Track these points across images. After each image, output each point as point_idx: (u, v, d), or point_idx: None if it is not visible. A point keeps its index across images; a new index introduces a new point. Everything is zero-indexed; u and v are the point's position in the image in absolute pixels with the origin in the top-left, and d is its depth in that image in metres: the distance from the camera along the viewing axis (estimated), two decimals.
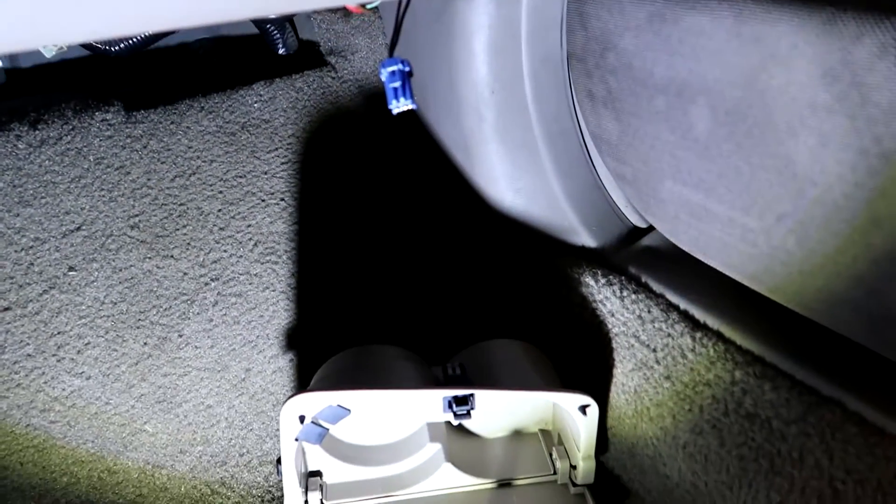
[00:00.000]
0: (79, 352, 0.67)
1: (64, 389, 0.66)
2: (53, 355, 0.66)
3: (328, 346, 0.69)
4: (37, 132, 0.71)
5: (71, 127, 0.72)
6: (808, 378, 0.51)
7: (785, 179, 0.47)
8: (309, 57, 0.93)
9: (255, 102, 0.80)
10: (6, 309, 0.66)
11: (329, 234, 0.80)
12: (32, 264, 0.67)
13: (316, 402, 0.56)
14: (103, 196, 0.72)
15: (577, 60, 0.66)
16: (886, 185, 0.41)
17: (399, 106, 0.50)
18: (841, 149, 0.43)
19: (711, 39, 0.49)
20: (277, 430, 0.74)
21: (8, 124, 0.71)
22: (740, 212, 0.53)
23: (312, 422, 0.57)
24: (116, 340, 0.68)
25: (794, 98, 0.44)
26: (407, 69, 0.51)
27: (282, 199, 0.78)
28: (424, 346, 0.71)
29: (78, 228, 0.69)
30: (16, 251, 0.68)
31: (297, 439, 0.57)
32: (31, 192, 0.69)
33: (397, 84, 0.50)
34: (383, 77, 0.49)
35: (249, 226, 0.76)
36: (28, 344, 0.66)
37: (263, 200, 0.77)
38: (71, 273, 0.68)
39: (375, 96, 0.89)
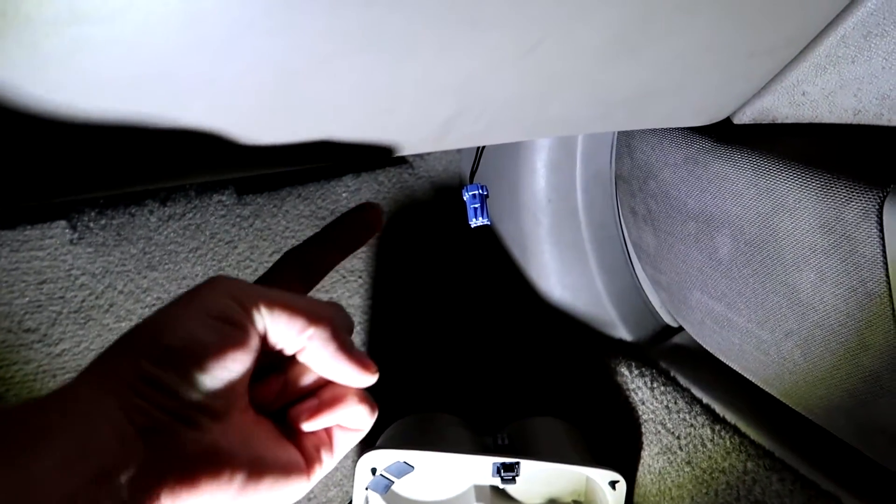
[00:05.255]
0: None
1: None
2: None
3: (392, 409, 0.79)
4: (166, 208, 0.85)
5: (193, 205, 0.87)
6: (810, 473, 0.59)
7: (792, 303, 0.57)
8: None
9: (344, 192, 0.94)
10: None
11: (399, 310, 0.92)
12: None
13: (387, 457, 0.66)
14: (214, 265, 0.85)
15: (623, 181, 0.78)
16: (871, 318, 0.51)
17: (477, 222, 0.61)
18: (835, 285, 0.52)
19: (734, 185, 0.60)
20: (341, 479, 0.84)
21: (143, 200, 0.86)
22: (756, 325, 0.62)
23: (381, 474, 0.67)
24: None
25: (799, 240, 0.54)
26: (485, 193, 0.62)
27: (360, 277, 0.91)
28: (476, 416, 0.81)
29: None
30: (141, 308, 0.81)
31: (367, 488, 0.67)
32: (158, 258, 0.83)
33: (477, 205, 0.61)
34: (465, 197, 0.61)
35: (331, 297, 0.88)
36: None
37: (344, 277, 0.90)
38: None
39: (444, 190, 1.02)
